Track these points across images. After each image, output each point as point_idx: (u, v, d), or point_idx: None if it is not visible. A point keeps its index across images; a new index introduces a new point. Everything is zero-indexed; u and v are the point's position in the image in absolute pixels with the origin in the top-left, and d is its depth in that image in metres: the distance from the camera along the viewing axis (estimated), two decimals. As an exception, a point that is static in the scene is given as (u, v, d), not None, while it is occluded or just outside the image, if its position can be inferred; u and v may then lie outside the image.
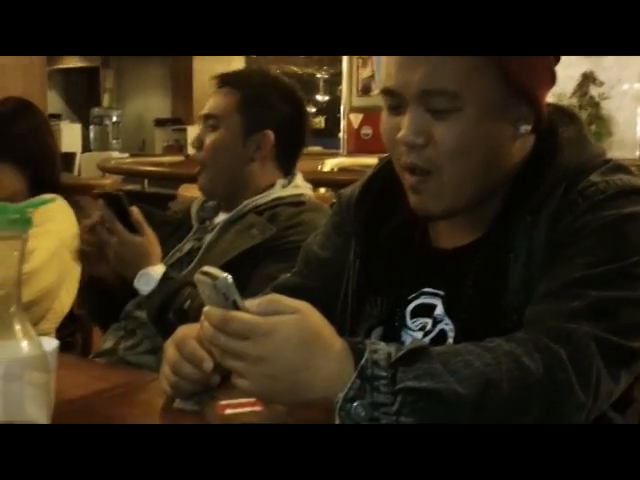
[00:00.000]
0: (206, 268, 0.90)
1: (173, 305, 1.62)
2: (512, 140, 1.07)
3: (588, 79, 11.58)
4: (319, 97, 13.82)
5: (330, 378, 0.88)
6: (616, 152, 10.96)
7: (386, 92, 1.07)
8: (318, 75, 13.47)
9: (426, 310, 1.14)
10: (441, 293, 1.13)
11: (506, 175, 1.09)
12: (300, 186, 1.90)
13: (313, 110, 13.85)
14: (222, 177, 1.84)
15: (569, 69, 11.55)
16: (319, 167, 5.66)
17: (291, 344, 0.87)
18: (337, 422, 0.89)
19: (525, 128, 1.08)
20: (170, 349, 1.06)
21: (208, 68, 8.86)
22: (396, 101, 1.07)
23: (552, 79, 1.09)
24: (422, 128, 1.03)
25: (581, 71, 11.62)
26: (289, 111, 1.88)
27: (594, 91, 11.53)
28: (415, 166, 1.06)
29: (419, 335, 1.13)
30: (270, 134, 1.83)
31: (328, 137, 11.86)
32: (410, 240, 1.18)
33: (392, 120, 1.08)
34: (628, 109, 11.49)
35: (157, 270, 1.66)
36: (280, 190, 1.85)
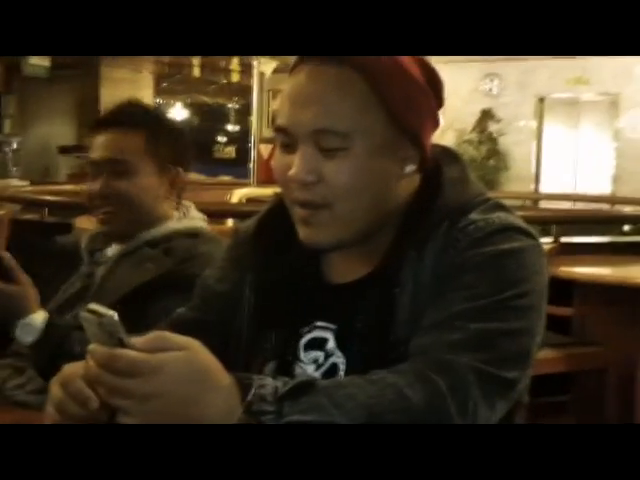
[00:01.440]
0: (92, 306, 0.89)
1: (63, 353, 1.50)
2: (398, 178, 1.10)
3: (487, 116, 11.96)
4: (230, 127, 13.84)
5: (218, 414, 0.89)
6: (513, 185, 11.33)
7: (278, 130, 1.09)
8: (229, 105, 13.50)
9: (318, 344, 1.15)
10: (333, 327, 1.14)
11: (393, 211, 1.11)
12: (195, 218, 1.84)
13: (224, 140, 13.86)
14: (134, 220, 1.76)
15: (469, 106, 11.92)
16: (227, 197, 5.70)
17: (178, 381, 0.87)
18: None
19: (410, 168, 1.10)
20: (55, 388, 0.99)
21: (116, 94, 8.79)
22: (288, 139, 1.08)
23: (436, 122, 1.13)
24: (312, 166, 1.06)
25: (481, 108, 12.03)
26: (186, 144, 1.84)
27: (493, 127, 11.93)
28: (306, 202, 1.08)
29: (311, 368, 1.14)
30: (181, 171, 1.78)
31: (239, 167, 11.87)
32: (304, 275, 1.19)
33: (284, 158, 1.09)
34: (524, 145, 11.92)
35: (38, 318, 1.55)
36: (176, 222, 1.78)
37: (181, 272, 1.64)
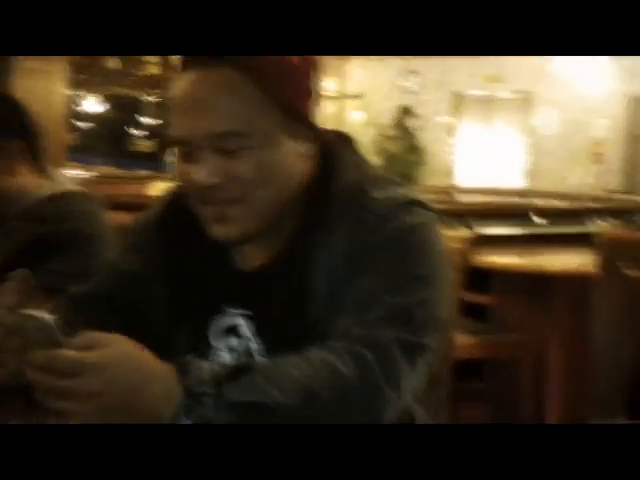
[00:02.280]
0: (27, 311, 0.91)
1: None
2: (298, 162, 1.13)
3: (406, 112, 12.14)
4: (148, 120, 13.66)
5: (160, 400, 0.91)
6: (430, 180, 11.55)
7: (176, 142, 1.11)
8: (147, 98, 13.32)
9: (232, 330, 1.17)
10: (246, 313, 1.17)
11: (293, 192, 1.14)
12: (64, 182, 1.87)
13: (139, 133, 13.66)
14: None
15: (389, 102, 12.09)
16: (147, 191, 5.65)
17: (117, 376, 0.89)
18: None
19: (307, 147, 1.14)
20: None
21: (30, 85, 8.58)
22: (187, 148, 1.10)
23: (318, 96, 1.15)
24: (217, 169, 1.07)
25: (400, 104, 12.20)
26: (22, 113, 1.88)
27: (411, 122, 12.12)
28: (216, 201, 1.10)
29: (227, 355, 1.16)
30: (24, 143, 1.82)
31: (157, 161, 11.73)
32: (212, 264, 1.20)
33: (187, 167, 1.10)
34: (442, 140, 12.14)
35: None
36: (42, 190, 1.80)
37: (56, 233, 1.68)
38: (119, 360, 0.90)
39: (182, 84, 1.08)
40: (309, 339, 1.05)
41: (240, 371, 0.95)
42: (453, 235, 1.59)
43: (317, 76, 1.14)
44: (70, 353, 0.88)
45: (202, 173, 1.08)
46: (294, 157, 1.12)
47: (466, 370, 2.63)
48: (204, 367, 0.94)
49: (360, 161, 1.19)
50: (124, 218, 2.10)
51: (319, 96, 1.15)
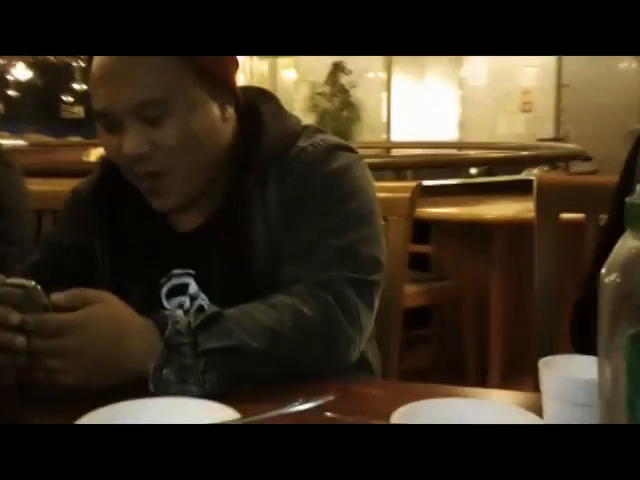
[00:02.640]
0: (10, 280, 0.94)
1: None
2: (222, 124, 1.16)
3: (338, 68, 12.14)
4: (76, 86, 13.38)
5: (142, 352, 0.97)
6: (366, 135, 11.61)
7: (99, 115, 1.12)
8: (74, 63, 13.03)
9: (180, 289, 1.21)
10: (191, 272, 1.20)
11: (221, 152, 1.17)
12: None
13: (71, 99, 13.39)
14: None
15: (321, 59, 12.05)
16: (84, 157, 5.60)
17: (101, 332, 0.94)
18: (151, 390, 0.96)
19: (229, 111, 1.17)
20: None
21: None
22: (111, 120, 1.11)
23: (236, 62, 1.19)
24: (143, 139, 1.09)
25: (331, 61, 12.18)
26: None
27: (344, 79, 12.12)
28: (148, 173, 1.12)
29: (180, 313, 1.18)
30: None
31: (88, 127, 11.54)
32: (151, 229, 1.22)
33: (112, 139, 1.12)
34: (375, 96, 12.19)
35: None
36: None
37: None
38: (101, 318, 0.96)
39: (99, 58, 1.10)
40: (255, 291, 1.11)
41: (212, 320, 1.01)
42: (397, 185, 1.66)
43: None
44: (58, 316, 0.94)
45: (128, 144, 1.10)
46: (218, 120, 1.15)
47: (412, 317, 2.73)
48: (180, 319, 1.00)
49: (282, 114, 1.23)
50: (61, 185, 2.10)
51: (238, 63, 1.18)
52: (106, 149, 1.15)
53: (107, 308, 0.98)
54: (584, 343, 0.85)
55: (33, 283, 0.93)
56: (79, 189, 1.31)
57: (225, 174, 1.18)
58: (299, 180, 1.14)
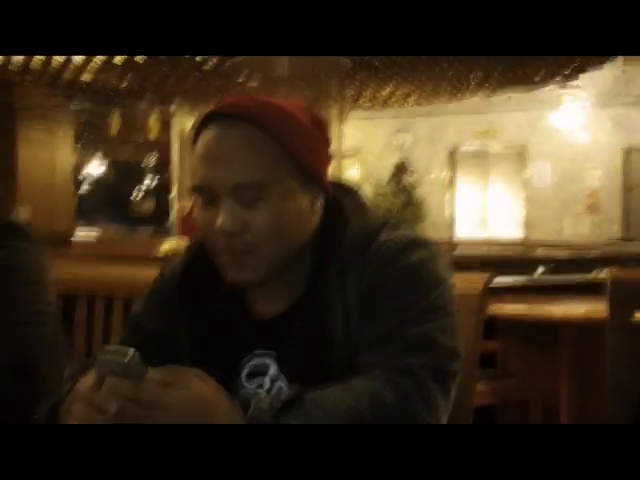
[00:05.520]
0: (111, 347, 0.99)
1: None
2: (309, 215, 1.21)
3: (400, 169, 12.30)
4: (147, 183, 13.82)
5: None
6: (430, 233, 11.55)
7: (198, 189, 1.18)
8: (146, 162, 13.49)
9: (261, 370, 1.24)
10: (272, 353, 1.24)
11: (305, 242, 1.22)
12: None
13: (140, 196, 13.80)
14: None
15: (383, 160, 12.23)
16: (154, 251, 5.74)
17: (192, 412, 0.98)
18: None
19: (318, 203, 1.22)
20: (78, 404, 1.04)
21: (31, 155, 8.71)
22: (208, 195, 1.15)
23: (329, 158, 1.25)
24: (236, 217, 1.15)
25: (394, 161, 12.36)
26: None
27: (406, 179, 12.26)
28: (233, 249, 1.17)
29: (262, 394, 1.22)
30: None
31: (156, 222, 11.85)
32: (233, 314, 1.26)
33: (206, 213, 1.17)
34: (438, 195, 12.25)
35: None
36: None
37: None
38: (192, 397, 1.00)
39: (204, 138, 1.17)
40: (332, 377, 1.12)
41: (293, 402, 1.03)
42: (467, 279, 1.66)
43: (328, 138, 1.25)
44: (152, 388, 0.98)
45: (221, 220, 1.15)
46: (306, 211, 1.20)
47: (478, 417, 2.68)
48: (262, 399, 1.03)
49: (363, 208, 1.28)
50: (131, 273, 2.16)
51: (330, 157, 1.25)
52: (198, 222, 1.20)
53: (198, 388, 1.01)
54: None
55: (132, 350, 0.97)
56: (165, 274, 1.35)
57: (306, 262, 1.23)
58: (379, 271, 1.18)
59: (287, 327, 1.22)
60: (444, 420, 1.15)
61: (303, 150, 1.18)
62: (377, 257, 1.19)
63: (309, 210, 1.21)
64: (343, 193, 1.29)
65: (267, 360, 1.24)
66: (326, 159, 1.24)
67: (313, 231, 1.23)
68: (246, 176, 1.14)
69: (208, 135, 1.17)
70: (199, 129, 1.18)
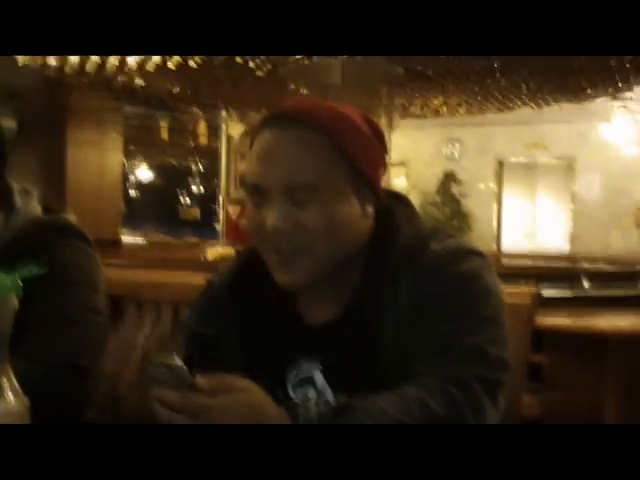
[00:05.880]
0: (157, 359, 1.00)
1: None
2: (361, 219, 1.21)
3: (449, 178, 12.23)
4: (194, 188, 13.94)
5: None
6: (476, 245, 11.53)
7: (251, 188, 1.19)
8: (193, 167, 13.62)
9: (307, 381, 1.24)
10: (319, 365, 1.22)
11: (357, 248, 1.21)
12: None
13: (188, 201, 13.94)
14: None
15: (432, 169, 12.19)
16: (201, 257, 5.79)
17: (240, 420, 0.99)
18: None
19: (370, 209, 1.22)
20: None
21: (82, 156, 8.83)
22: (260, 195, 1.17)
23: (384, 166, 1.26)
24: (288, 216, 1.15)
25: (443, 171, 12.31)
26: None
27: (455, 189, 12.20)
28: (284, 249, 1.17)
29: (311, 404, 1.21)
30: None
31: (203, 227, 11.94)
32: (283, 321, 1.26)
33: (258, 212, 1.18)
34: (485, 206, 12.17)
35: None
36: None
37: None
38: (240, 406, 1.01)
39: (261, 139, 1.18)
40: (380, 387, 1.12)
41: (342, 411, 1.04)
42: (517, 291, 1.66)
43: (385, 146, 1.26)
44: (199, 399, 0.99)
45: (273, 219, 1.16)
46: (358, 216, 1.20)
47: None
48: (311, 408, 1.07)
49: (414, 216, 1.28)
50: (178, 278, 2.17)
51: (386, 165, 1.26)
52: (250, 221, 1.21)
53: (249, 398, 1.02)
54: None
55: (180, 363, 0.99)
56: (214, 280, 1.36)
57: (357, 270, 1.23)
58: (430, 280, 1.17)
59: (337, 335, 1.22)
60: None
61: (359, 154, 1.19)
62: (429, 265, 1.19)
63: (361, 215, 1.21)
64: (395, 201, 1.29)
65: (314, 370, 1.24)
66: (381, 166, 1.25)
67: (365, 238, 1.23)
68: (299, 176, 1.15)
69: (265, 136, 1.18)
70: (257, 131, 1.19)
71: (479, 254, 1.23)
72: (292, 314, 1.27)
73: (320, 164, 1.16)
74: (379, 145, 1.24)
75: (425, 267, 1.19)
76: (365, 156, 1.20)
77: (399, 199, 1.30)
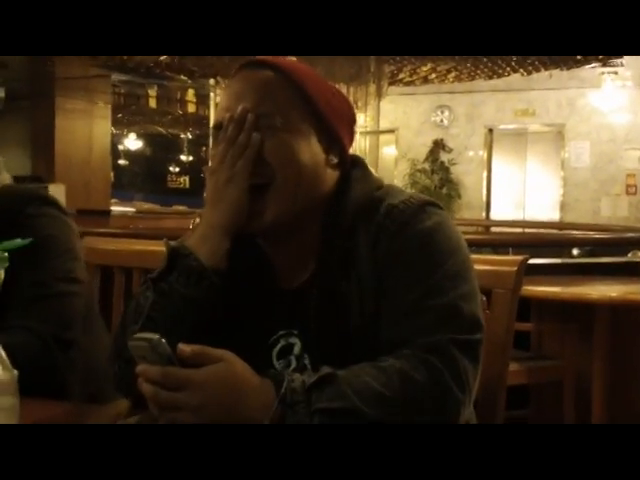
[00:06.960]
0: (139, 335, 1.01)
1: None
2: (324, 166, 1.23)
3: (438, 146, 12.21)
4: (183, 157, 13.89)
5: (258, 409, 1.01)
6: (465, 213, 11.58)
7: (218, 125, 1.23)
8: (182, 135, 13.56)
9: (287, 349, 1.24)
10: (295, 332, 1.23)
11: (320, 200, 1.23)
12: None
13: (177, 170, 13.89)
14: None
15: (422, 137, 12.17)
16: (190, 225, 5.78)
17: (220, 391, 1.00)
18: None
19: (333, 158, 1.24)
20: None
21: (70, 125, 8.77)
22: (222, 131, 1.21)
23: (352, 132, 1.29)
24: None
25: (432, 138, 12.29)
26: None
27: (444, 157, 12.20)
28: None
29: (296, 374, 1.19)
30: None
31: (192, 196, 11.91)
32: (261, 283, 1.27)
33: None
34: (474, 174, 12.18)
35: None
36: None
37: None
38: (223, 377, 1.01)
39: (235, 79, 1.24)
40: (352, 352, 1.13)
41: (326, 380, 1.05)
42: (503, 259, 1.66)
43: (349, 103, 1.30)
44: (180, 371, 0.99)
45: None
46: (322, 161, 1.22)
47: (511, 397, 2.68)
48: (295, 378, 1.05)
49: (367, 175, 1.28)
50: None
51: (353, 135, 1.28)
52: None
53: (229, 368, 1.02)
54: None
55: (158, 336, 0.99)
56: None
57: (313, 233, 1.23)
58: (393, 238, 1.17)
59: (307, 299, 1.22)
60: (476, 386, 1.14)
61: (320, 100, 1.22)
62: (389, 222, 1.18)
63: (324, 162, 1.23)
64: (352, 165, 1.29)
65: (292, 339, 1.24)
66: (347, 125, 1.27)
67: (327, 193, 1.24)
68: (256, 108, 1.19)
69: (235, 77, 1.24)
70: (233, 75, 1.24)
71: (436, 205, 1.22)
72: (270, 277, 1.27)
73: (277, 99, 1.20)
74: (343, 100, 1.27)
75: (386, 223, 1.18)
76: (328, 105, 1.23)
77: (355, 160, 1.30)
